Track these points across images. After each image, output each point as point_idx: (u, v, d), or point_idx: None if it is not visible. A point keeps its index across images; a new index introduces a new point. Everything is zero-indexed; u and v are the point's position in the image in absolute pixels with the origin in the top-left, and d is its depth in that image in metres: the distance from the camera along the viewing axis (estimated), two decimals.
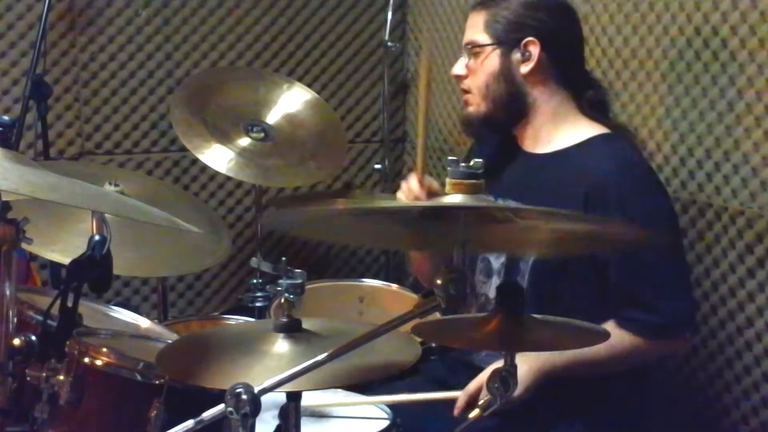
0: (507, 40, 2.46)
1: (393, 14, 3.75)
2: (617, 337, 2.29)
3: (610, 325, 2.28)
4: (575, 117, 2.50)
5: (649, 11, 2.84)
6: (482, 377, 2.32)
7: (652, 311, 2.34)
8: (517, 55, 2.46)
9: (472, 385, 2.36)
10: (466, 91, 2.54)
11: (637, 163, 2.45)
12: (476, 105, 2.52)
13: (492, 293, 2.45)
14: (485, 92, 2.49)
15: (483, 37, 2.48)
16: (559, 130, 2.49)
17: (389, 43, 3.72)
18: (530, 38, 2.44)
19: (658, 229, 2.00)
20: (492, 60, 2.47)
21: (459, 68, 2.53)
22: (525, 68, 2.46)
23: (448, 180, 1.70)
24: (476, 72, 2.50)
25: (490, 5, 2.48)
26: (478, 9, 2.51)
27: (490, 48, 2.47)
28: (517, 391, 1.87)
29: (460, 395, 2.37)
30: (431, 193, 2.49)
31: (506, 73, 2.47)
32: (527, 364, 2.30)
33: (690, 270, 2.66)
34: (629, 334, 2.34)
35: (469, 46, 2.50)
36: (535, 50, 2.44)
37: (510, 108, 2.50)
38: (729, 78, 2.63)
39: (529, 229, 1.81)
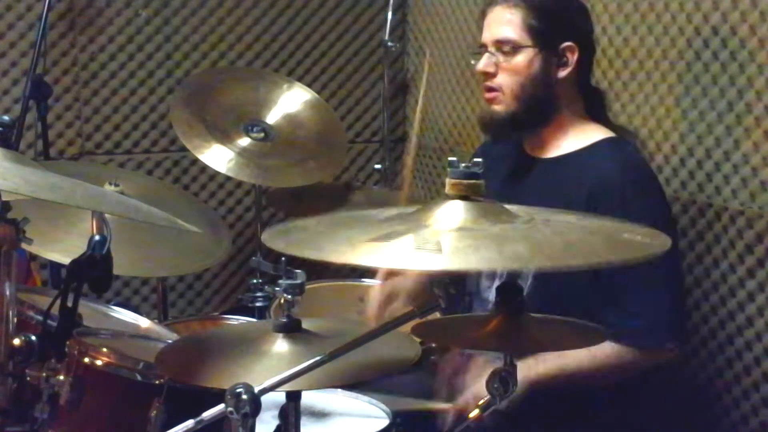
0: (548, 43, 2.39)
1: (393, 14, 3.75)
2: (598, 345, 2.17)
3: None
4: (583, 121, 2.48)
5: (648, 11, 2.84)
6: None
7: (631, 315, 2.28)
8: (554, 59, 2.40)
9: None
10: (493, 89, 2.44)
11: (641, 166, 2.44)
12: (506, 105, 2.43)
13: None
14: (519, 93, 2.41)
15: (522, 37, 2.39)
16: (568, 135, 2.46)
17: (389, 43, 3.72)
18: (570, 43, 2.40)
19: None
20: (531, 62, 2.39)
21: (488, 66, 2.43)
22: (562, 73, 2.41)
23: (447, 180, 1.70)
24: (512, 72, 2.41)
25: (520, 2, 2.39)
26: (509, 4, 2.41)
27: (531, 50, 2.39)
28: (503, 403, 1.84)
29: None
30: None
31: (545, 76, 2.40)
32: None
33: (683, 277, 2.60)
34: (608, 340, 2.18)
35: (503, 44, 2.41)
36: (572, 57, 2.40)
37: (540, 110, 2.44)
38: (729, 78, 2.63)
39: None
